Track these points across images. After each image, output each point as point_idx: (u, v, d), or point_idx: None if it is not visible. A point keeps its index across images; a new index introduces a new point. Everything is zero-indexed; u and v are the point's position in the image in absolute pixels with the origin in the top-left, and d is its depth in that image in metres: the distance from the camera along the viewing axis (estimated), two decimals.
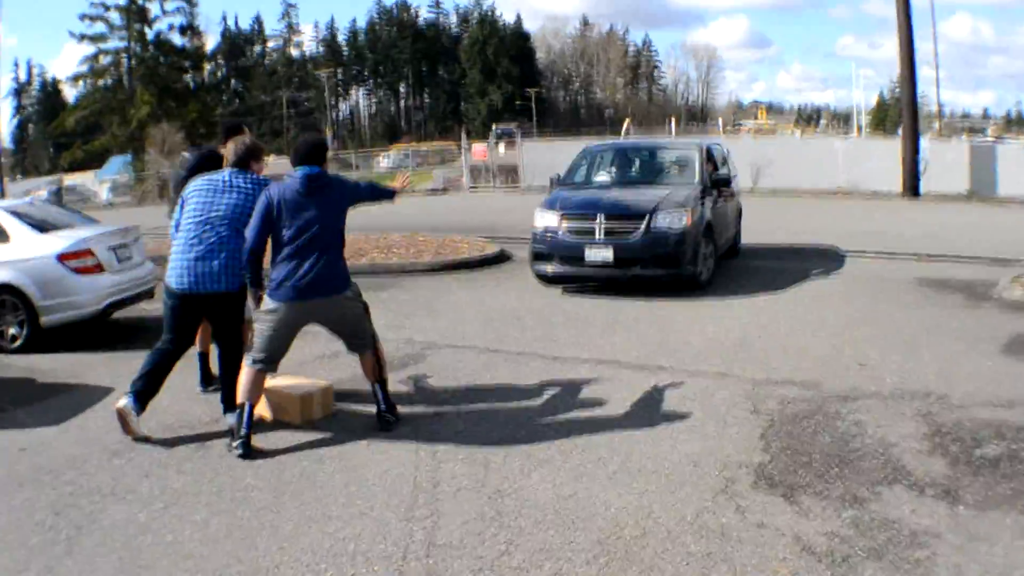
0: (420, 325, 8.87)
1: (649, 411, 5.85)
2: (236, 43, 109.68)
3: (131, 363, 6.44)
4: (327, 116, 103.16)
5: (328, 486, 4.72)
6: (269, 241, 5.40)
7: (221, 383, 5.84)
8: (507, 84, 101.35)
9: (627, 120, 53.98)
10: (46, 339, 8.45)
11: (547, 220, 10.46)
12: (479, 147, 43.47)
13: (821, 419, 5.56)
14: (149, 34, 65.20)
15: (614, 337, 8.05)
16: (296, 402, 5.77)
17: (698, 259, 10.08)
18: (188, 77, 69.78)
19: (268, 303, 5.37)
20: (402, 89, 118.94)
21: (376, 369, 5.74)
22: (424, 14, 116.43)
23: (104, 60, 65.67)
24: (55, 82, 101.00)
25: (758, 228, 14.92)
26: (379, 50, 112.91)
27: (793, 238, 14.72)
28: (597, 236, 9.97)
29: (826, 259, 12.61)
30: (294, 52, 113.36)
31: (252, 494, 4.67)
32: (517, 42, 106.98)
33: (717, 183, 11.30)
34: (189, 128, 58.46)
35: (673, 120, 50.80)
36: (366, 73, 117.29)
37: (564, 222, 10.28)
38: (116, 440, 5.58)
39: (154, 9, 66.11)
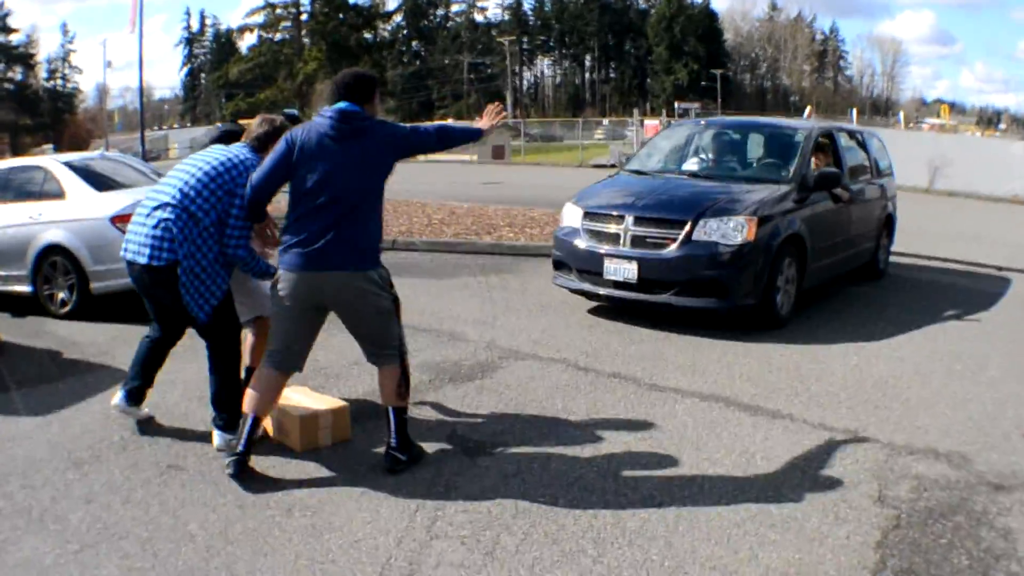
0: (513, 325, 7.67)
1: (741, 485, 4.35)
2: (419, 4, 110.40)
3: None
4: (509, 83, 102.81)
5: (276, 555, 3.61)
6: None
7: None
8: (693, 63, 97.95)
9: (808, 108, 51.07)
10: (100, 304, 7.80)
11: (571, 218, 8.23)
12: (651, 123, 42.22)
13: (962, 521, 3.97)
14: None
15: (734, 364, 6.51)
16: (296, 424, 4.68)
17: (766, 286, 7.44)
18: (364, 35, 70.32)
19: (278, 277, 4.35)
20: (588, 61, 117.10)
21: (397, 391, 4.50)
22: None
23: (277, 12, 67.11)
24: (228, 33, 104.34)
25: (919, 237, 12.79)
26: (565, 20, 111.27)
27: (958, 250, 12.27)
28: (621, 244, 7.63)
29: (992, 280, 10.49)
30: (478, 17, 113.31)
31: (181, 549, 3.64)
32: (704, 21, 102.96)
33: (825, 181, 8.27)
34: None
35: (855, 111, 47.64)
36: (551, 43, 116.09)
37: (585, 222, 8.00)
38: (87, 445, 4.77)
39: None
